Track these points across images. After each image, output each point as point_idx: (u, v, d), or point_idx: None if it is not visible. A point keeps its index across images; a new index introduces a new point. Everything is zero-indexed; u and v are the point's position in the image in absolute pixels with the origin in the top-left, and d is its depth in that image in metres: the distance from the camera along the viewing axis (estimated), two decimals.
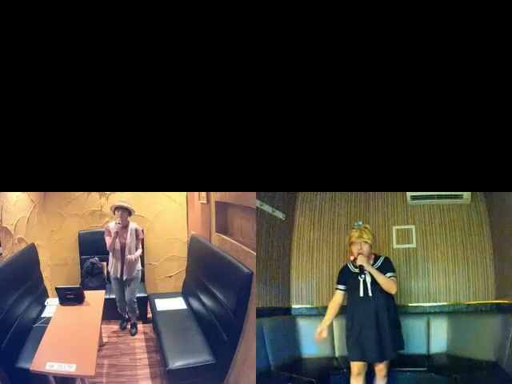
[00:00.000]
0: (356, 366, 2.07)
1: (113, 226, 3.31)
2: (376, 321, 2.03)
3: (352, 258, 2.15)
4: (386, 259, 2.16)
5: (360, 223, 2.19)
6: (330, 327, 2.57)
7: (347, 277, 2.16)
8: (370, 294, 2.05)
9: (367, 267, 2.06)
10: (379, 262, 2.13)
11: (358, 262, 2.07)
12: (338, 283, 2.21)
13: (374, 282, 2.05)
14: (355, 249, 2.11)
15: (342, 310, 2.22)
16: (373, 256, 2.16)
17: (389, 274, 2.08)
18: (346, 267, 2.21)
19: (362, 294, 2.06)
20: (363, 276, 2.07)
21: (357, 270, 2.11)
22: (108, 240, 3.31)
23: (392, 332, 2.04)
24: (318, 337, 2.15)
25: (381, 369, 2.07)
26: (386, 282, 2.05)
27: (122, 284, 3.45)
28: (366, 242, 2.10)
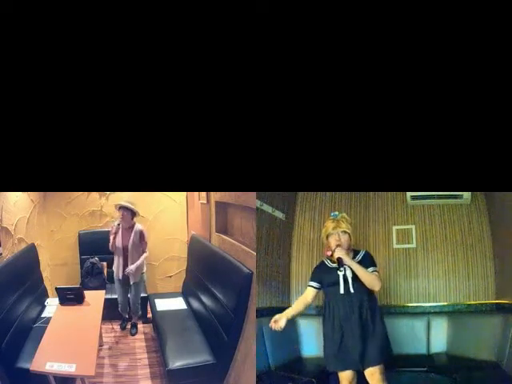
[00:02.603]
0: (345, 376, 1.83)
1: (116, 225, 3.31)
2: (359, 320, 1.80)
3: (329, 253, 1.91)
4: (367, 253, 1.93)
5: (337, 213, 1.95)
6: None
7: (324, 274, 1.93)
8: (352, 291, 1.83)
9: (347, 260, 1.82)
10: (359, 257, 1.90)
11: (337, 255, 1.83)
12: (312, 280, 1.97)
13: (355, 277, 1.83)
14: (333, 241, 1.88)
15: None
16: (352, 251, 1.92)
17: (371, 269, 1.85)
18: (322, 264, 1.98)
19: (342, 291, 1.84)
20: (342, 270, 1.83)
21: (334, 265, 1.89)
22: (111, 239, 3.31)
23: (377, 333, 1.82)
24: (274, 325, 1.85)
25: (372, 373, 1.80)
26: (369, 277, 1.82)
27: (126, 286, 3.44)
28: (344, 231, 1.88)
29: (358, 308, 1.83)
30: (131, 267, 3.27)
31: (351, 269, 1.84)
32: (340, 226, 1.89)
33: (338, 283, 1.86)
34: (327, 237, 1.92)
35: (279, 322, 1.85)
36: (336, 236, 1.88)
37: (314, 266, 2.04)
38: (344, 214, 1.95)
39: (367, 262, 1.89)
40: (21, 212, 3.22)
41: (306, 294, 1.96)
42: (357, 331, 1.80)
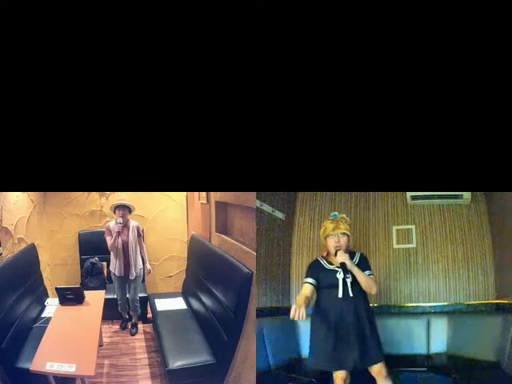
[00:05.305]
0: (339, 375, 1.83)
1: (113, 225, 3.31)
2: (357, 322, 1.80)
3: (325, 253, 1.90)
4: (363, 256, 1.92)
5: (336, 213, 1.90)
6: None
7: (320, 273, 1.87)
8: (351, 295, 1.81)
9: (350, 265, 1.79)
10: (356, 259, 1.87)
11: (340, 259, 1.79)
12: (308, 277, 1.88)
13: (354, 280, 1.80)
14: (332, 242, 1.84)
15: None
16: (348, 252, 1.87)
17: (367, 272, 1.85)
18: (316, 262, 1.93)
19: (341, 295, 1.80)
20: (349, 276, 1.79)
21: (331, 267, 1.86)
22: (109, 240, 3.31)
23: (374, 333, 1.84)
24: (296, 315, 1.57)
25: (378, 371, 1.81)
26: (368, 282, 1.81)
27: (125, 283, 3.46)
28: (344, 233, 1.84)
29: (353, 310, 1.81)
30: (148, 267, 3.54)
31: (351, 273, 1.80)
32: (339, 227, 1.84)
33: (335, 286, 1.82)
34: (325, 238, 1.88)
35: (300, 310, 1.58)
36: (335, 238, 1.85)
37: (308, 264, 1.96)
38: (343, 215, 1.91)
39: (364, 264, 1.87)
40: (21, 212, 3.22)
41: (305, 291, 1.84)
42: (353, 333, 1.79)
